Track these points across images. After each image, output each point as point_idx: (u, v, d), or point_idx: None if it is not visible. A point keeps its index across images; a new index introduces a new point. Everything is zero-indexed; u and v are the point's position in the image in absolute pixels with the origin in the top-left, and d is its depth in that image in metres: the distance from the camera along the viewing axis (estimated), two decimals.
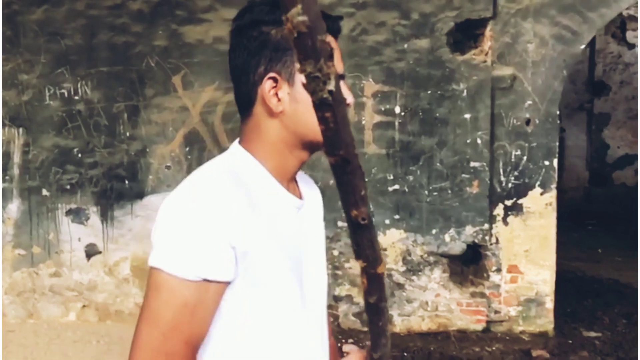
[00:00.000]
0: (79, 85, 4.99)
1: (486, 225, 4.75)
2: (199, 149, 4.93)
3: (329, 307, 3.66)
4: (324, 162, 4.56)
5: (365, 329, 4.88)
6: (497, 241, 4.77)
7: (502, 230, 4.77)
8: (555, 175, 4.79)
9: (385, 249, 4.75)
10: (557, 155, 4.81)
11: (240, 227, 1.03)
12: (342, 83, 1.15)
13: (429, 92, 4.77)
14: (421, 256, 4.82)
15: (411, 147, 4.80)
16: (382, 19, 4.73)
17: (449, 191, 4.77)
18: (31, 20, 4.97)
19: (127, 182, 5.00)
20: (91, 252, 5.05)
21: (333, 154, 0.74)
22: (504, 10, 4.68)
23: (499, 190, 4.77)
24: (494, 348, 4.48)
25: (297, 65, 0.68)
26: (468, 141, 4.74)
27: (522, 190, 4.76)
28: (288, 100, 1.12)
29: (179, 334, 1.01)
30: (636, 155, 10.81)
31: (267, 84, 1.11)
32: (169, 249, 1.02)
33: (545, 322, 4.80)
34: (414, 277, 4.83)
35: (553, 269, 4.78)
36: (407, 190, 4.79)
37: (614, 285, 6.21)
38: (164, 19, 4.88)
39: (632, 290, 5.98)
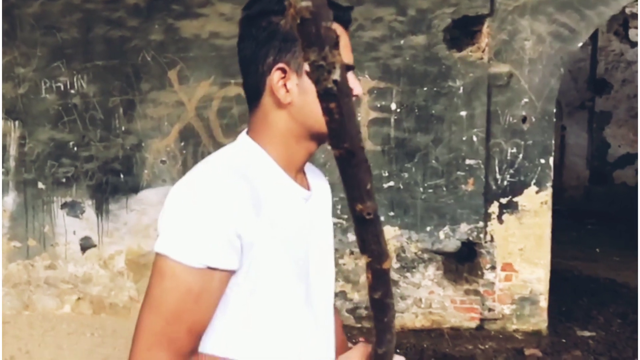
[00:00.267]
0: (74, 79, 4.99)
1: (481, 223, 4.74)
2: (194, 144, 4.93)
3: None
4: (318, 158, 4.56)
5: (359, 325, 4.89)
6: (492, 239, 4.76)
7: (497, 228, 4.76)
8: (551, 174, 4.78)
9: None
10: (553, 153, 4.80)
11: (247, 216, 1.03)
12: (350, 74, 1.15)
13: (425, 88, 4.75)
14: (415, 253, 4.82)
15: (407, 144, 4.79)
16: (378, 14, 4.71)
17: (444, 188, 4.76)
18: (28, 14, 4.96)
19: (122, 176, 5.00)
20: (86, 245, 5.06)
21: (338, 147, 0.72)
22: (502, 7, 4.67)
23: (494, 188, 4.76)
24: (487, 346, 4.48)
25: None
26: (464, 138, 4.73)
27: (517, 189, 4.75)
28: (296, 91, 1.11)
29: (181, 320, 1.01)
30: (637, 155, 10.78)
31: (275, 75, 1.11)
32: (174, 235, 1.01)
33: (539, 320, 4.79)
34: (408, 274, 4.82)
35: (548, 267, 4.77)
36: (402, 187, 4.79)
37: (611, 285, 6.20)
38: (160, 13, 4.87)
39: (628, 289, 5.97)
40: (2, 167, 5.05)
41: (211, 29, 4.84)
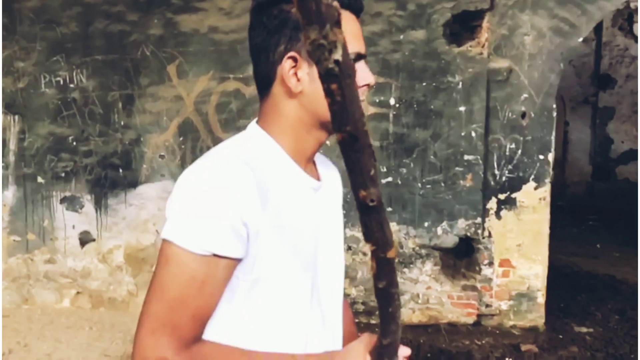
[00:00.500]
0: (74, 74, 4.99)
1: (479, 219, 4.74)
2: (192, 139, 4.93)
3: None
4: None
5: (357, 320, 4.90)
6: (490, 235, 4.76)
7: (494, 224, 4.76)
8: (550, 170, 4.76)
9: None
10: (552, 149, 4.78)
11: (253, 205, 1.03)
12: (362, 63, 1.15)
13: (424, 84, 4.74)
14: (413, 249, 4.82)
15: (405, 139, 4.78)
16: (378, 9, 4.70)
17: (442, 184, 4.75)
18: (27, 8, 4.97)
19: (121, 170, 5.01)
20: (85, 239, 5.08)
21: (340, 130, 0.70)
22: (502, 2, 4.65)
23: (492, 183, 4.75)
24: (483, 342, 4.47)
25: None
26: (462, 134, 4.72)
27: (516, 184, 4.73)
28: (307, 80, 1.10)
29: (185, 307, 1.01)
30: (639, 150, 10.73)
31: (286, 64, 1.10)
32: (180, 222, 1.02)
33: (536, 316, 4.79)
34: (406, 270, 4.82)
35: (545, 263, 4.76)
36: (400, 182, 4.78)
37: (610, 281, 6.18)
38: (160, 7, 4.86)
39: (627, 286, 5.96)
40: (2, 161, 5.07)
41: (210, 23, 4.83)
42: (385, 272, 0.89)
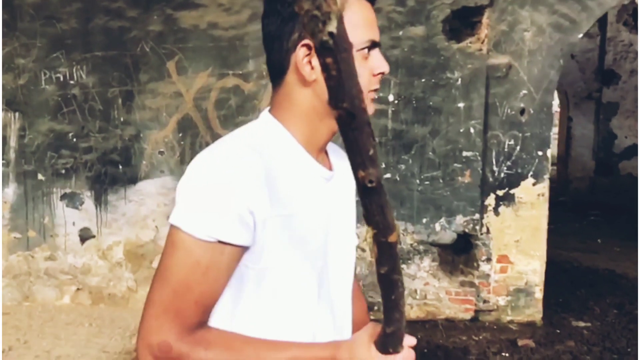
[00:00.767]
0: (74, 70, 5.01)
1: (477, 215, 4.74)
2: (192, 135, 4.94)
3: None
4: None
5: None
6: (488, 231, 4.76)
7: (493, 220, 4.76)
8: (549, 166, 4.75)
9: None
10: (550, 145, 4.77)
11: (260, 193, 1.03)
12: (376, 51, 1.14)
13: (423, 80, 4.74)
14: (411, 245, 4.83)
15: (404, 135, 4.78)
16: (377, 5, 4.65)
17: (441, 180, 4.75)
18: (27, 4, 4.98)
19: (121, 167, 5.02)
20: (85, 236, 5.10)
21: (336, 107, 0.68)
22: None
23: (491, 180, 4.75)
24: (480, 337, 4.48)
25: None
26: (461, 130, 4.72)
27: (514, 181, 4.73)
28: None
29: (189, 292, 1.02)
30: None
31: (300, 52, 1.08)
32: (187, 208, 1.03)
33: (534, 312, 4.80)
34: (404, 266, 4.83)
35: (543, 259, 4.76)
36: (398, 179, 4.78)
37: (609, 276, 6.18)
38: (159, 3, 4.87)
39: (626, 280, 5.96)
40: (3, 158, 5.09)
41: (210, 19, 4.84)
42: (386, 257, 0.87)
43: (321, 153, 1.20)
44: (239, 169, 1.02)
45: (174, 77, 4.94)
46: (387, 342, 1.01)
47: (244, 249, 1.05)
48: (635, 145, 10.84)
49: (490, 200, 4.75)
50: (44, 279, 5.13)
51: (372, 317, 4.41)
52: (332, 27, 0.60)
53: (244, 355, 1.03)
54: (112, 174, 5.04)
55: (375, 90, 1.18)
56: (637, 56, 10.78)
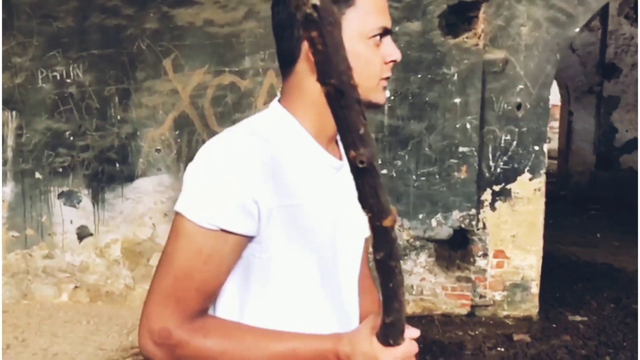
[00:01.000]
0: (70, 68, 5.01)
1: (473, 211, 4.74)
2: (188, 132, 4.94)
3: None
4: None
5: None
6: (484, 226, 4.76)
7: (489, 215, 4.76)
8: (545, 161, 4.75)
9: None
10: (547, 140, 4.76)
11: (265, 183, 1.02)
12: (388, 38, 1.13)
13: (420, 75, 4.73)
14: (407, 240, 4.83)
15: (400, 131, 4.78)
16: None
17: (437, 176, 4.75)
18: (24, 3, 4.98)
19: (117, 165, 5.03)
20: (83, 234, 5.11)
21: (324, 83, 0.67)
22: None
23: (487, 175, 4.75)
24: (476, 332, 4.49)
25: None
26: (457, 126, 4.72)
27: (510, 176, 4.73)
28: None
29: (190, 279, 1.01)
30: None
31: None
32: (192, 196, 1.03)
33: (530, 306, 4.80)
34: (400, 261, 4.82)
35: (540, 254, 4.77)
36: (394, 175, 4.78)
37: (607, 270, 6.18)
38: (155, 1, 4.87)
39: (624, 274, 5.96)
40: (0, 157, 5.10)
41: (206, 16, 4.84)
42: (382, 242, 0.84)
43: (331, 143, 1.19)
44: (244, 157, 1.01)
45: (170, 74, 4.94)
46: (387, 334, 0.98)
47: (249, 238, 1.05)
48: (636, 139, 10.80)
49: (487, 196, 4.75)
50: (42, 277, 5.15)
51: None
52: None
53: (244, 345, 1.03)
54: (109, 172, 5.05)
55: (387, 78, 1.16)
56: (638, 49, 10.72)
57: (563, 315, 4.86)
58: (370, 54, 1.10)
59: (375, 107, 1.16)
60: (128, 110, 4.98)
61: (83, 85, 5.00)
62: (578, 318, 4.81)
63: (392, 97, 4.75)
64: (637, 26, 10.68)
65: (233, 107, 4.87)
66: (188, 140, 4.94)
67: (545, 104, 4.73)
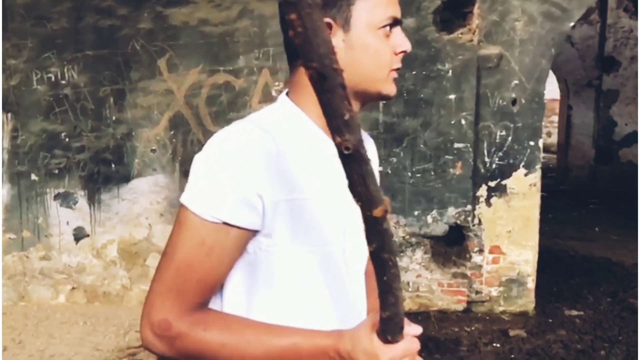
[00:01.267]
0: (65, 70, 5.01)
1: (469, 207, 4.73)
2: (183, 132, 4.94)
3: None
4: None
5: None
6: (480, 222, 4.76)
7: (485, 211, 4.75)
8: (541, 156, 4.74)
9: None
10: (542, 135, 4.76)
11: (270, 177, 1.02)
12: (398, 29, 1.12)
13: (414, 72, 4.72)
14: (403, 237, 4.82)
15: (395, 128, 4.77)
16: None
17: (432, 172, 4.75)
18: (18, 4, 4.98)
19: (113, 165, 5.03)
20: (79, 235, 5.12)
21: (307, 66, 0.66)
22: None
23: (482, 171, 4.74)
24: (472, 328, 4.49)
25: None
26: (452, 122, 4.71)
27: (506, 171, 4.72)
28: (343, 47, 1.07)
29: (192, 271, 1.02)
30: None
31: None
32: (196, 188, 1.03)
33: (526, 302, 4.80)
34: (395, 254, 4.82)
35: (536, 249, 4.76)
36: (390, 172, 4.78)
37: (605, 264, 6.16)
38: (149, 1, 4.86)
39: (622, 268, 5.95)
40: None
41: (200, 16, 4.83)
42: (374, 233, 0.82)
43: None
44: (248, 151, 1.01)
45: (165, 74, 4.94)
46: (385, 330, 0.95)
47: (252, 232, 1.05)
48: (636, 133, 10.78)
49: (482, 192, 4.74)
50: (39, 278, 5.16)
51: None
52: None
53: (244, 339, 1.02)
54: (105, 172, 5.05)
55: (398, 69, 1.15)
56: (638, 43, 10.69)
57: (559, 310, 4.85)
58: (380, 44, 1.10)
59: (386, 98, 1.16)
60: (123, 110, 4.98)
61: (78, 86, 5.00)
62: (574, 313, 4.80)
63: None
64: (636, 19, 10.65)
65: (228, 107, 4.86)
66: (183, 140, 4.94)
67: (540, 99, 4.72)
